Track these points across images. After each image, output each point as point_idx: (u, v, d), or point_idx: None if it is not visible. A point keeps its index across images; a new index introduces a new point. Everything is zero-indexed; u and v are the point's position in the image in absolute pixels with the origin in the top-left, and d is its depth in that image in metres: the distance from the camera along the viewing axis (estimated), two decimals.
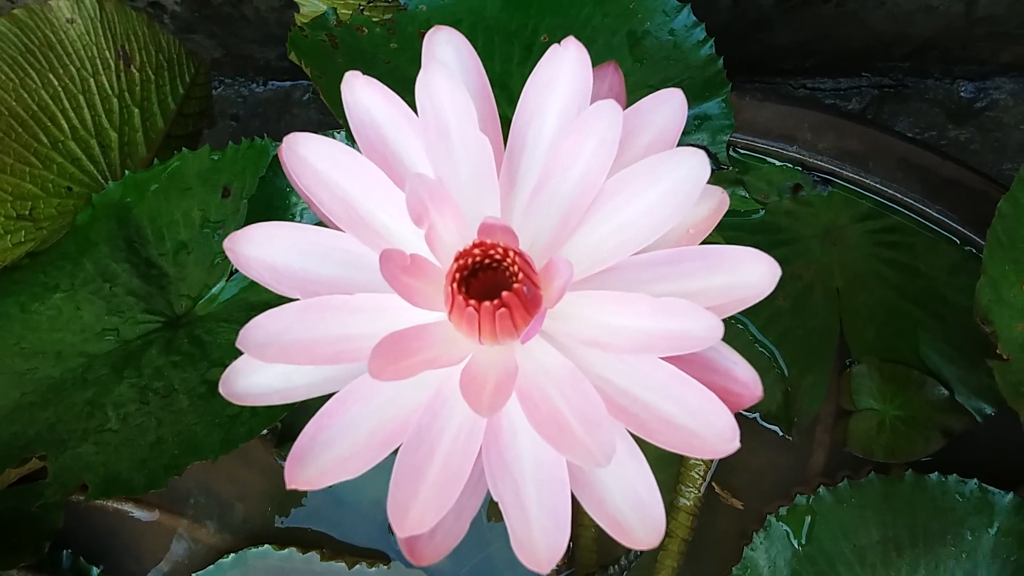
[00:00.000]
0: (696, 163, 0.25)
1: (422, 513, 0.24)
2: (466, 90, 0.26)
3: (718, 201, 0.30)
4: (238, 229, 0.46)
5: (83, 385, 0.42)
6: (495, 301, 0.24)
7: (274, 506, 0.45)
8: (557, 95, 0.27)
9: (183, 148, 0.48)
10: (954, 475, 0.40)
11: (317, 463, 0.26)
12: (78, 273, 0.46)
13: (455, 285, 0.24)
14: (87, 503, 0.45)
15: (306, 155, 0.27)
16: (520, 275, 0.24)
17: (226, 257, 0.46)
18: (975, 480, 0.40)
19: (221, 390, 0.26)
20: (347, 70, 0.49)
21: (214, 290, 0.46)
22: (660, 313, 0.25)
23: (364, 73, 0.49)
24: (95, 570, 0.45)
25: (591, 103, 0.27)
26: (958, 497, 0.40)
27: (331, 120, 0.52)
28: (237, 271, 0.46)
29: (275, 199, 0.46)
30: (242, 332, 0.25)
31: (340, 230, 0.28)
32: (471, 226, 0.26)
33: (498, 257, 0.24)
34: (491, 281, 0.26)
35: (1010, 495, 0.40)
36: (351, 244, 0.27)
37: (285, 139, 0.27)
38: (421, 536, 0.26)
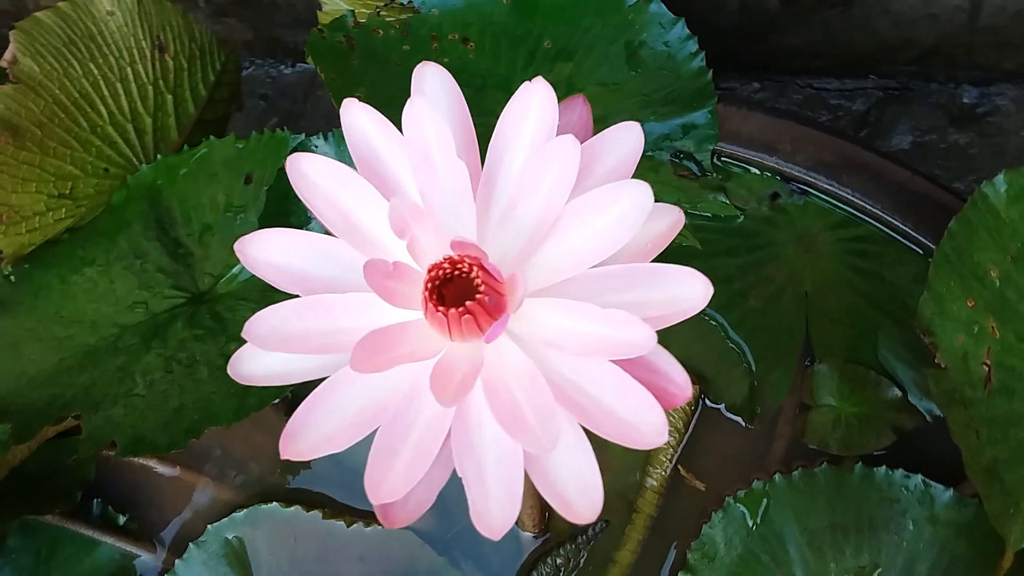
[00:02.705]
0: (641, 195, 0.29)
1: (394, 485, 0.29)
2: (445, 121, 0.30)
3: (674, 219, 0.33)
4: (257, 215, 0.51)
5: (115, 353, 0.47)
6: (460, 308, 0.28)
7: (283, 467, 0.50)
8: (527, 127, 0.31)
9: (211, 134, 0.52)
10: (900, 470, 0.43)
11: (306, 439, 0.30)
12: (113, 249, 0.51)
13: (427, 293, 0.28)
14: (116, 459, 0.50)
15: (307, 172, 0.31)
16: (483, 286, 0.28)
17: None
18: (920, 475, 0.43)
19: (230, 372, 0.31)
20: (362, 72, 0.52)
21: (234, 270, 0.50)
22: (606, 321, 0.29)
23: (377, 74, 0.52)
24: (121, 518, 0.50)
25: (561, 132, 0.31)
26: (903, 490, 0.43)
27: None
28: None
29: (291, 189, 0.50)
30: (246, 325, 0.30)
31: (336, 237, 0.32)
32: (450, 239, 0.30)
33: (465, 270, 0.28)
34: (463, 287, 0.30)
35: (951, 491, 0.43)
36: (344, 249, 0.31)
37: (289, 158, 0.31)
38: (395, 503, 0.30)
